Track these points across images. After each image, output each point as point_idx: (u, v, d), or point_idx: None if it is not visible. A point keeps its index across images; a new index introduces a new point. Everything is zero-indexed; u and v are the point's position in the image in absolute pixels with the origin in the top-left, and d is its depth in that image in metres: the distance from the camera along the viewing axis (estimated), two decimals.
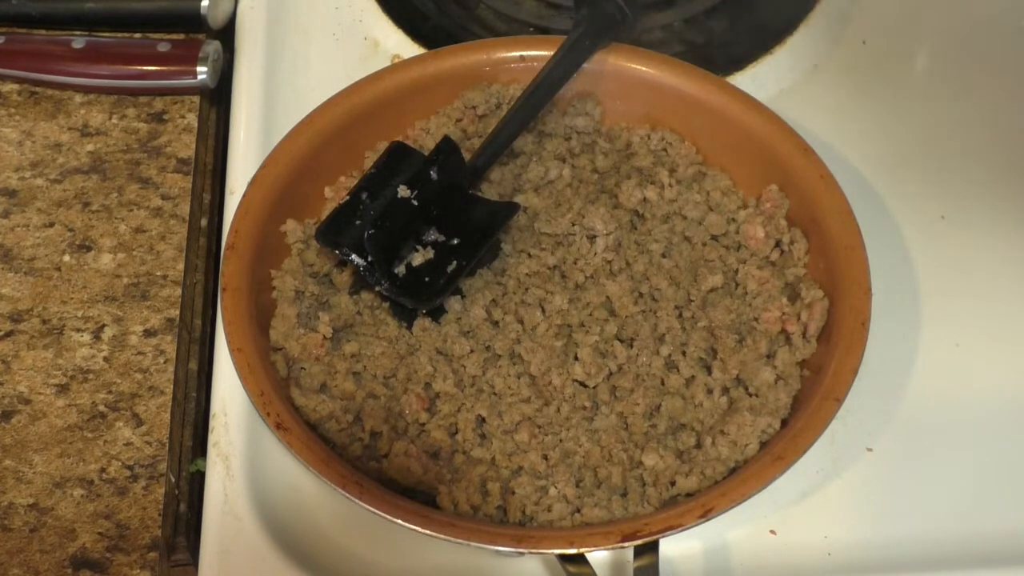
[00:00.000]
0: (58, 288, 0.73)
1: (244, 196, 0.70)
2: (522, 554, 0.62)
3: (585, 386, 0.66)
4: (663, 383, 0.66)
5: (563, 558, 0.59)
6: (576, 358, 0.66)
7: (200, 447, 0.70)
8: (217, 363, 0.69)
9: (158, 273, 0.73)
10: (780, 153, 0.72)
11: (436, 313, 0.68)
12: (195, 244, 0.77)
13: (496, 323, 0.68)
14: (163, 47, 0.81)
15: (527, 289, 0.69)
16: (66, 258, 0.74)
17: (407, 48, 0.83)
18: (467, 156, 0.72)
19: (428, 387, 0.66)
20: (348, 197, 0.69)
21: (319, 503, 0.65)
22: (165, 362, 0.70)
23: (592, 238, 0.70)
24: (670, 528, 0.58)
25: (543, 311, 0.68)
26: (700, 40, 0.86)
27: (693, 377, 0.66)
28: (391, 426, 0.64)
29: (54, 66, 0.81)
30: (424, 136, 0.75)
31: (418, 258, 0.68)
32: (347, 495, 0.59)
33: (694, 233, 0.71)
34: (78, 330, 0.71)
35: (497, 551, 0.61)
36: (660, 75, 0.76)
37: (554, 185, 0.74)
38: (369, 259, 0.66)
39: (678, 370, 0.66)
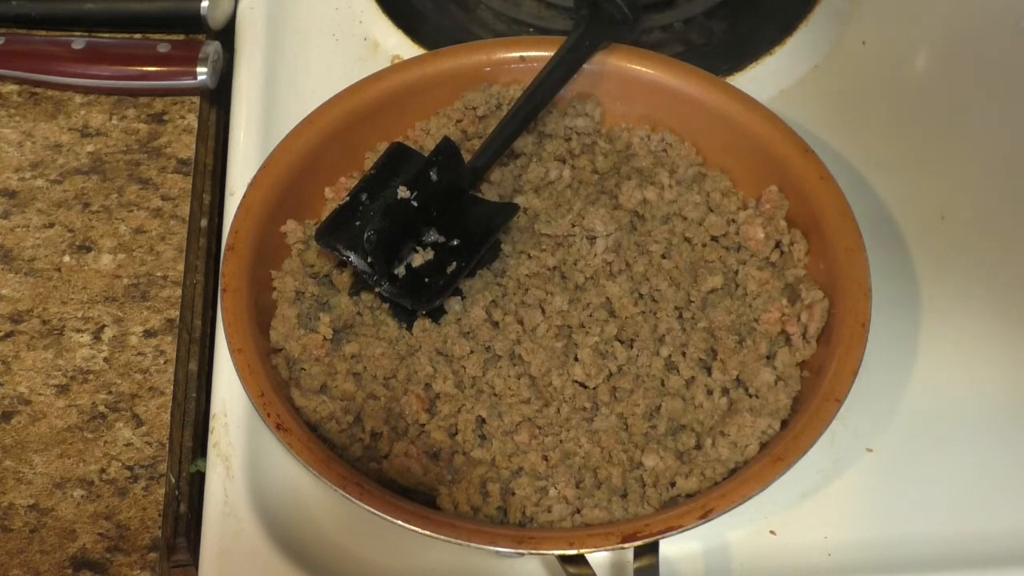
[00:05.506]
0: (58, 289, 0.73)
1: (244, 197, 0.70)
2: (522, 555, 0.62)
3: (585, 387, 0.66)
4: (663, 384, 0.66)
5: (563, 559, 0.59)
6: (576, 359, 0.66)
7: (200, 448, 0.70)
8: (217, 364, 0.69)
9: (158, 274, 0.73)
10: (780, 153, 0.72)
11: (436, 314, 0.68)
12: (195, 245, 0.77)
13: (496, 324, 0.68)
14: (163, 48, 0.81)
15: (527, 290, 0.69)
16: (66, 259, 0.74)
17: (407, 48, 0.83)
18: (467, 157, 0.72)
19: (428, 388, 0.66)
20: (348, 198, 0.69)
21: (319, 503, 0.65)
22: (165, 363, 0.70)
23: (592, 239, 0.70)
24: (670, 529, 0.58)
25: (543, 312, 0.68)
26: (700, 40, 0.86)
27: (693, 378, 0.66)
28: (391, 427, 0.64)
29: (54, 67, 0.81)
30: (424, 137, 0.75)
31: (418, 259, 0.68)
32: (347, 496, 0.59)
33: (694, 234, 0.71)
34: (78, 331, 0.71)
35: (497, 552, 0.61)
36: (660, 76, 0.76)
37: (554, 186, 0.74)
38: (369, 260, 0.66)
39: (678, 371, 0.66)
